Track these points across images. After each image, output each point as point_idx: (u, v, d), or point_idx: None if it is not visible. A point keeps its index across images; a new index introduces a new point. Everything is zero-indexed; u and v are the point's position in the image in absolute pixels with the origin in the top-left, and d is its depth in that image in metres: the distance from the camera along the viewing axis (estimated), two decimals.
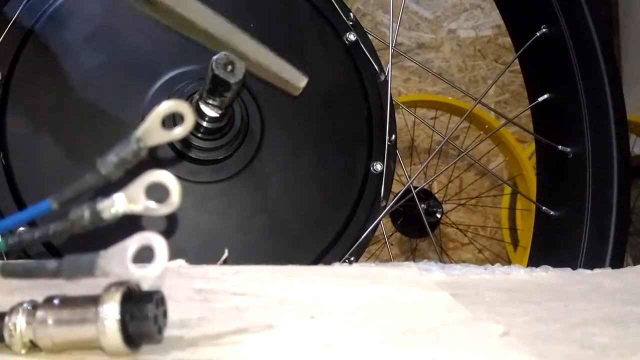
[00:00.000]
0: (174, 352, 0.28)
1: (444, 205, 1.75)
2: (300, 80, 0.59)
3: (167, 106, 0.27)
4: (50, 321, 0.27)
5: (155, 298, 0.27)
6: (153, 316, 0.27)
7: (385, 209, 0.72)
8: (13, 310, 0.28)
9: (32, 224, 0.49)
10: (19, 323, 0.27)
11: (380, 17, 1.93)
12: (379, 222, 0.72)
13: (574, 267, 0.52)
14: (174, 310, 0.29)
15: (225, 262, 0.59)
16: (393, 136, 0.74)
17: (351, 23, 0.75)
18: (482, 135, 1.84)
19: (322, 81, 0.72)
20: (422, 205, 1.60)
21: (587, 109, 0.82)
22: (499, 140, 1.83)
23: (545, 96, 0.86)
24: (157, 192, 0.28)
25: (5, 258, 0.53)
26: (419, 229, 1.71)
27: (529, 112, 0.91)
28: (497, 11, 0.92)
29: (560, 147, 0.84)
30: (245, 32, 0.55)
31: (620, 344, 0.32)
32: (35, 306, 0.28)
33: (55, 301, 0.28)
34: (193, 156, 0.64)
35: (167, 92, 0.65)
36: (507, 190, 1.92)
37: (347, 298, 0.38)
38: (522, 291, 0.44)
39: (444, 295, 0.39)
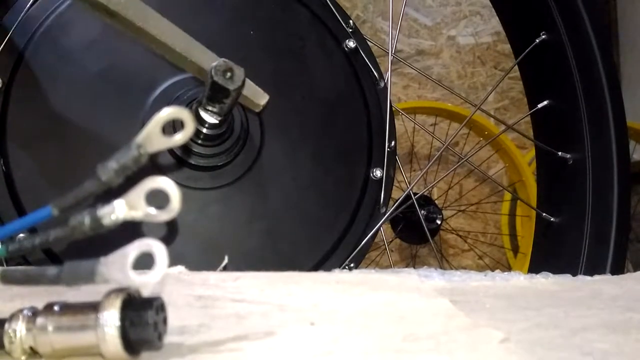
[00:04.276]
0: (173, 359, 0.28)
1: (444, 212, 1.74)
2: (261, 98, 0.60)
3: (167, 113, 0.27)
4: (50, 328, 0.27)
5: (155, 305, 0.27)
6: (153, 323, 0.27)
7: (385, 215, 0.72)
8: (13, 316, 0.28)
9: (32, 230, 0.49)
10: (19, 329, 0.27)
11: (379, 24, 1.94)
12: (378, 229, 0.72)
13: (574, 274, 0.52)
14: (174, 317, 0.29)
15: (225, 269, 0.59)
16: (393, 142, 0.74)
17: (351, 30, 0.75)
18: (481, 141, 1.84)
19: (321, 88, 0.73)
20: (422, 212, 1.60)
21: (587, 115, 0.82)
22: (499, 146, 1.83)
23: (545, 102, 0.87)
24: (158, 199, 0.28)
25: (5, 264, 0.53)
26: (419, 236, 1.70)
27: (528, 118, 0.91)
28: (497, 18, 0.93)
29: (560, 153, 0.84)
30: (205, 48, 0.56)
31: (620, 351, 0.32)
32: (35, 313, 0.28)
33: (56, 308, 0.28)
34: (193, 162, 0.64)
35: (167, 99, 0.65)
36: (507, 196, 1.91)
37: (347, 305, 0.38)
38: (522, 297, 0.44)
39: (444, 302, 0.39)
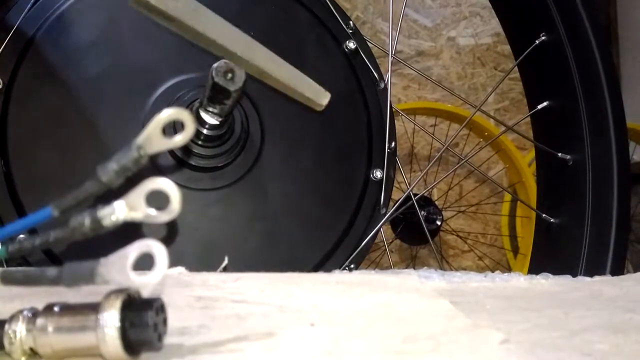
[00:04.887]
0: None
1: (444, 213, 1.75)
2: (322, 97, 0.59)
3: (167, 114, 0.27)
4: (50, 329, 0.27)
5: (155, 305, 0.27)
6: (153, 324, 0.27)
7: (385, 216, 0.72)
8: (13, 317, 0.28)
9: (32, 231, 0.49)
10: (19, 330, 0.27)
11: (380, 25, 1.94)
12: (379, 230, 0.72)
13: (574, 275, 0.52)
14: (174, 318, 0.29)
15: (225, 270, 0.59)
16: (393, 143, 0.74)
17: (351, 31, 0.75)
18: (481, 142, 1.84)
19: None
20: (422, 213, 1.60)
21: (587, 116, 0.82)
22: (499, 147, 1.84)
23: (545, 103, 0.87)
24: (158, 200, 0.28)
25: (5, 265, 0.53)
26: (419, 236, 1.71)
27: (528, 119, 0.91)
28: (496, 19, 0.93)
29: (560, 154, 0.84)
30: (265, 48, 0.55)
31: (620, 352, 0.32)
32: (35, 313, 0.28)
33: (56, 308, 0.28)
34: (193, 163, 0.64)
35: (168, 100, 0.65)
36: (507, 197, 1.91)
37: (347, 306, 0.38)
38: (522, 299, 0.44)
39: (444, 303, 0.39)
